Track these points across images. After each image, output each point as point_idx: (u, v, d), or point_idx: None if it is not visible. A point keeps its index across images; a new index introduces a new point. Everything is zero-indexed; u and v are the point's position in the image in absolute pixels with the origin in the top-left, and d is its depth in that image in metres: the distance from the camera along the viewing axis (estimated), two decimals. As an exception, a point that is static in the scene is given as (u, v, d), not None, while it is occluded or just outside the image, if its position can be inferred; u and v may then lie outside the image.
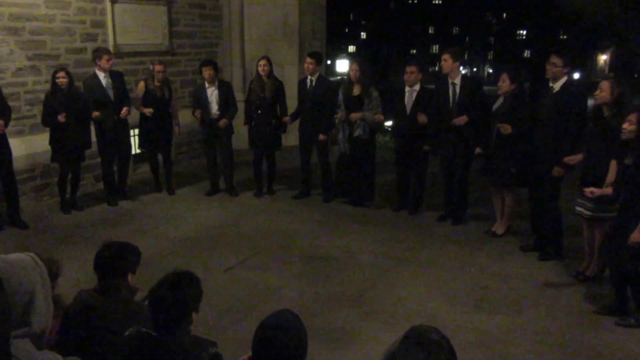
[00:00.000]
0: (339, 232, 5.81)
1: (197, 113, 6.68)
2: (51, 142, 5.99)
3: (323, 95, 6.47)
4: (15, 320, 1.68)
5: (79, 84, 6.34)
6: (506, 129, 5.11)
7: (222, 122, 6.57)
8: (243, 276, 4.80)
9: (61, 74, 5.79)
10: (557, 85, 4.85)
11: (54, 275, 2.47)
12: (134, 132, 7.15)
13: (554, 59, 4.84)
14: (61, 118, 5.74)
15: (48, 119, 5.88)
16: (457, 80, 5.68)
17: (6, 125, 5.51)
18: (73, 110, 5.87)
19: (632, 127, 3.81)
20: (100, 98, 6.18)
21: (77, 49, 6.90)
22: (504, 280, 4.72)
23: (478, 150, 5.60)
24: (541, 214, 5.12)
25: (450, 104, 5.69)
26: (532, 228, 5.34)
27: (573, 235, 5.18)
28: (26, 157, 6.24)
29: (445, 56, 5.70)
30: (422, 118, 5.82)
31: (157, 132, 6.72)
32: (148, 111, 6.53)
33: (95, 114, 6.13)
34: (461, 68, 5.89)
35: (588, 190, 4.16)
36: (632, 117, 3.85)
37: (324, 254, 5.27)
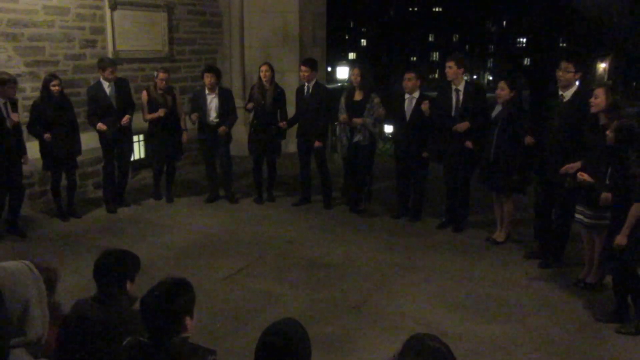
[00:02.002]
0: (340, 239, 5.78)
1: (194, 116, 6.61)
2: (41, 150, 5.95)
3: (320, 102, 6.46)
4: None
5: (77, 90, 6.32)
6: (530, 140, 5.03)
7: (222, 129, 6.54)
8: (243, 283, 4.77)
9: (56, 82, 5.76)
10: (567, 94, 4.77)
11: (51, 283, 2.44)
12: (134, 139, 7.13)
13: (566, 65, 4.72)
14: (47, 137, 5.72)
15: (33, 128, 5.81)
16: (461, 87, 5.66)
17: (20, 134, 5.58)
18: (62, 118, 5.85)
19: (612, 135, 3.86)
20: (104, 105, 6.17)
21: (76, 55, 6.89)
22: (505, 288, 4.68)
23: (468, 143, 5.55)
24: (547, 221, 5.07)
25: (453, 110, 5.67)
26: (535, 235, 5.30)
27: (573, 243, 5.15)
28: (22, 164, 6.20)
29: (450, 63, 5.66)
30: (425, 106, 5.75)
31: (166, 141, 6.65)
32: (161, 112, 6.41)
33: (102, 128, 6.10)
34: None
35: (580, 174, 4.23)
36: (613, 124, 3.91)
37: (325, 261, 5.24)
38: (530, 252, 5.28)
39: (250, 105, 6.64)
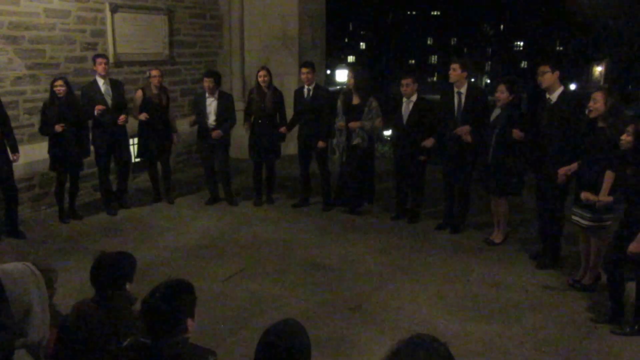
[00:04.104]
0: (339, 241, 5.80)
1: (191, 119, 6.72)
2: (49, 151, 5.99)
3: (321, 104, 6.48)
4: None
5: (77, 92, 6.34)
6: (517, 134, 5.08)
7: (215, 133, 6.57)
8: (242, 285, 4.78)
9: (59, 82, 5.80)
10: (554, 96, 4.86)
11: (50, 284, 2.45)
12: (133, 142, 7.14)
13: (543, 67, 4.88)
14: (58, 128, 5.74)
15: (45, 128, 5.87)
16: (463, 90, 5.66)
17: (7, 135, 5.54)
18: (71, 119, 5.88)
19: (630, 139, 3.83)
20: (98, 104, 6.18)
21: (76, 58, 6.91)
22: (502, 288, 4.71)
23: (467, 137, 5.56)
24: (546, 221, 5.11)
25: (455, 113, 5.69)
26: (540, 236, 5.32)
27: (569, 244, 5.20)
28: (24, 166, 6.22)
29: (454, 65, 5.65)
30: (428, 142, 5.82)
31: (155, 140, 6.70)
32: (143, 116, 6.51)
33: (100, 108, 6.09)
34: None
35: (583, 195, 4.21)
36: (630, 128, 3.87)
37: (323, 262, 5.26)
38: (536, 253, 5.29)
39: (247, 126, 6.73)
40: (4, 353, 1.65)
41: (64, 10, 6.71)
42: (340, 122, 6.24)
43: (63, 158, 5.96)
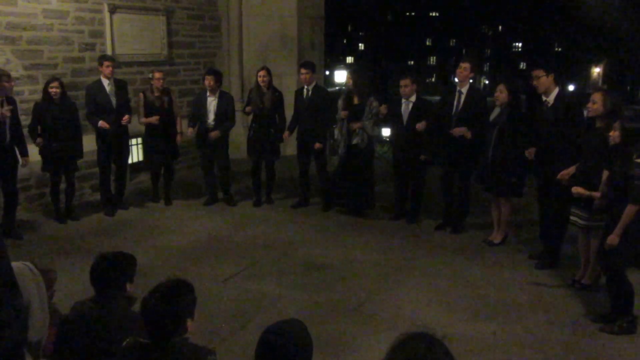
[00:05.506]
0: (338, 241, 5.80)
1: (190, 130, 6.73)
2: (41, 152, 5.96)
3: (320, 104, 6.49)
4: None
5: (76, 93, 6.33)
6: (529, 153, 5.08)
7: (213, 134, 6.57)
8: (242, 286, 4.77)
9: (54, 84, 5.77)
10: (551, 99, 4.89)
11: (49, 285, 2.44)
12: (132, 142, 7.13)
13: (536, 72, 4.90)
14: (39, 142, 5.76)
15: (32, 130, 5.83)
16: (464, 90, 5.67)
17: (18, 138, 5.58)
18: (64, 120, 5.86)
19: (617, 133, 3.86)
20: (103, 104, 6.19)
21: (75, 59, 6.90)
22: (502, 288, 4.71)
23: (467, 134, 5.53)
24: (549, 222, 5.11)
25: (453, 111, 5.69)
26: (541, 237, 5.31)
27: (569, 244, 5.19)
28: (21, 167, 6.20)
29: (465, 64, 5.64)
30: (421, 125, 5.83)
31: (162, 142, 6.67)
32: (155, 119, 6.48)
33: (104, 125, 6.11)
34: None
35: (574, 189, 4.22)
36: (616, 124, 3.90)
37: (323, 263, 5.25)
38: (536, 253, 5.29)
39: (249, 109, 6.68)
40: (19, 343, 1.65)
41: (62, 10, 6.70)
42: (343, 112, 6.19)
43: (54, 159, 5.93)
